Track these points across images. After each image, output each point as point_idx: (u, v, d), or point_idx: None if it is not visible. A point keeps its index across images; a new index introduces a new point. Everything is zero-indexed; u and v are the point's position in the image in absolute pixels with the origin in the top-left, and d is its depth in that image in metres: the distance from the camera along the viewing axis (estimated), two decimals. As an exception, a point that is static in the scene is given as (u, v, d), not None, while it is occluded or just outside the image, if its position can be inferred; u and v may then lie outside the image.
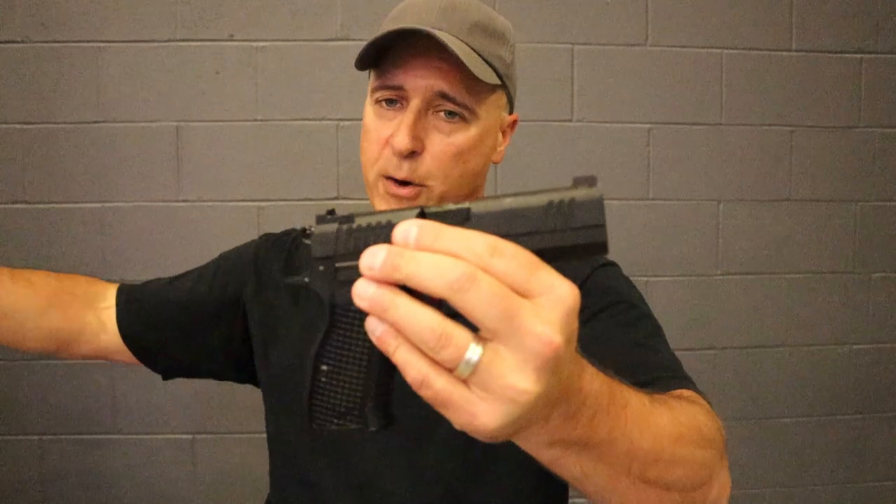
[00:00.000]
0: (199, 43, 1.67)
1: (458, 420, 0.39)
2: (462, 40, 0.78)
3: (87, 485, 1.69)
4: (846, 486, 1.86)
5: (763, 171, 1.79)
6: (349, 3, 1.68)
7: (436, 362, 0.38)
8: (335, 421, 0.49)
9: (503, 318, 0.36)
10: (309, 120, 1.69)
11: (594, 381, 0.45)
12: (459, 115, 0.80)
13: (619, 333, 0.77)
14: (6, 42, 1.63)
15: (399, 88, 0.79)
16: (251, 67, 1.68)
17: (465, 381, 0.38)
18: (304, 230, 0.50)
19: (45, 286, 0.91)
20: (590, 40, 1.73)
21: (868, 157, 1.82)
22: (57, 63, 1.64)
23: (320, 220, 0.49)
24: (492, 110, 0.84)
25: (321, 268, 0.48)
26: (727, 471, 0.61)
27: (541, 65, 1.72)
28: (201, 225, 1.67)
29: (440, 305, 0.38)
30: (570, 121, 1.74)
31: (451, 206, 0.43)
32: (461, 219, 0.42)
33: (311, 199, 1.69)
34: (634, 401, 0.50)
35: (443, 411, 0.39)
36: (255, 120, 1.68)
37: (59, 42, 1.64)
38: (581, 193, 0.40)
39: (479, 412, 0.38)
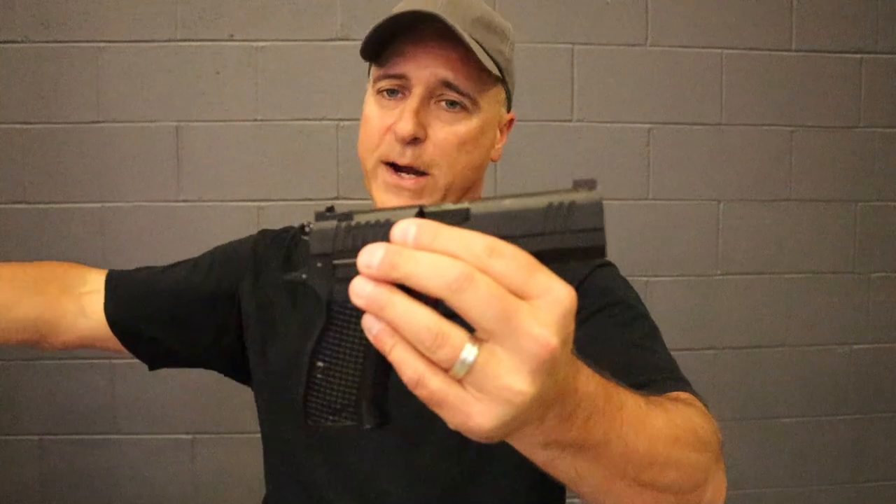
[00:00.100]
0: (199, 43, 1.67)
1: (453, 420, 0.39)
2: (465, 32, 0.78)
3: (87, 485, 1.69)
4: (846, 486, 1.86)
5: (763, 171, 1.79)
6: (349, 3, 1.68)
7: (432, 362, 0.38)
8: (330, 418, 0.49)
9: (500, 319, 0.36)
10: (309, 120, 1.69)
11: (590, 382, 0.45)
12: (461, 104, 0.80)
13: (616, 334, 0.77)
14: (6, 42, 1.63)
15: (402, 77, 0.80)
16: (251, 67, 1.68)
17: (460, 382, 0.38)
18: (302, 227, 0.50)
19: (13, 277, 0.89)
20: (590, 40, 1.73)
21: (868, 157, 1.82)
22: (57, 63, 1.64)
23: (319, 216, 0.49)
24: (492, 104, 0.85)
25: (319, 264, 0.48)
26: (723, 473, 0.61)
27: (541, 65, 1.72)
28: (201, 225, 1.67)
29: (437, 305, 0.38)
30: (570, 121, 1.74)
31: (450, 206, 0.43)
32: (460, 219, 0.42)
33: (311, 199, 1.69)
34: (630, 403, 0.50)
35: (438, 411, 0.39)
36: (255, 120, 1.68)
37: (59, 42, 1.64)
38: (581, 196, 0.40)
39: (474, 412, 0.38)
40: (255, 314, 0.93)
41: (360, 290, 0.39)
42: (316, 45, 1.68)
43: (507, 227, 0.41)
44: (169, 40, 1.66)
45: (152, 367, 0.99)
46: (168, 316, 0.93)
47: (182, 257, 1.00)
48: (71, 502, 1.69)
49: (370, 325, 0.39)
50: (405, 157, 0.79)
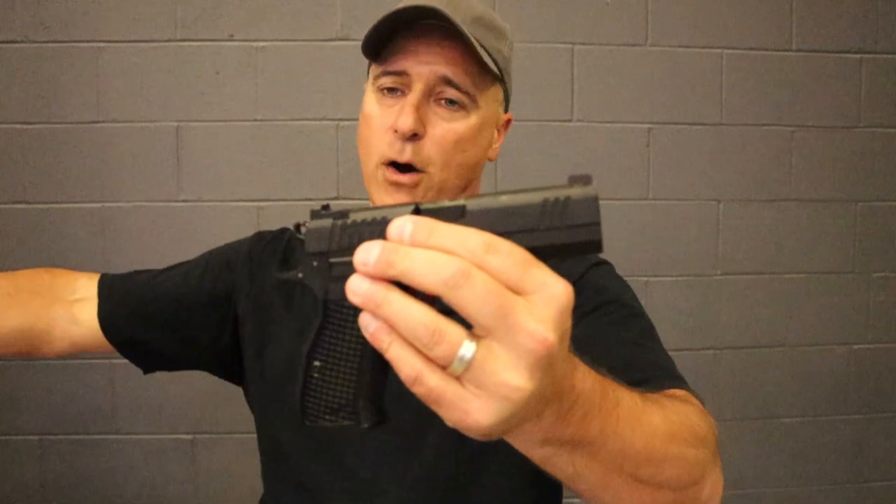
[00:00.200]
0: (199, 43, 1.67)
1: (451, 417, 0.39)
2: (465, 29, 0.79)
3: (87, 485, 1.69)
4: (846, 486, 1.85)
5: (763, 171, 1.79)
6: (349, 3, 1.68)
7: (429, 359, 0.38)
8: (327, 417, 0.49)
9: (497, 316, 0.36)
10: (309, 120, 1.69)
11: (586, 379, 0.45)
12: (460, 102, 0.81)
13: (612, 332, 0.77)
14: (6, 42, 1.63)
15: (402, 74, 0.80)
16: (251, 67, 1.68)
17: (458, 379, 0.38)
18: (297, 225, 0.50)
19: None
20: (590, 40, 1.73)
21: (868, 157, 1.82)
22: (57, 63, 1.64)
23: (315, 215, 0.48)
24: (490, 103, 0.85)
25: (315, 263, 0.48)
26: (720, 470, 0.61)
27: (541, 65, 1.72)
28: (201, 225, 1.67)
29: (434, 302, 0.38)
30: (570, 121, 1.74)
31: (447, 203, 0.43)
32: (456, 215, 0.42)
33: (311, 199, 1.68)
34: (627, 399, 0.50)
35: (435, 408, 0.39)
36: (255, 120, 1.68)
37: (59, 42, 1.64)
38: (576, 192, 0.40)
39: (472, 409, 0.38)
40: (252, 317, 0.93)
41: (357, 288, 0.39)
42: (316, 45, 1.68)
43: (504, 224, 0.41)
44: (169, 40, 1.66)
45: (147, 371, 0.98)
46: (163, 321, 0.93)
47: (182, 257, 1.00)
48: (71, 502, 1.69)
49: (367, 322, 0.39)
50: (405, 154, 0.80)
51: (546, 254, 0.40)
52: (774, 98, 1.78)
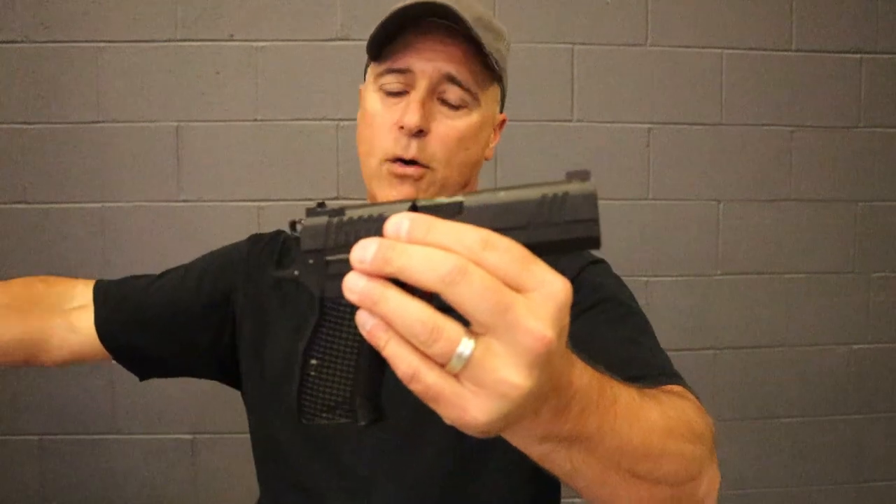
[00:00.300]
0: (199, 43, 1.67)
1: (449, 415, 0.38)
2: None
3: (86, 485, 1.69)
4: (846, 486, 1.86)
5: (763, 171, 1.79)
6: (349, 3, 1.68)
7: (427, 356, 0.38)
8: (324, 415, 0.48)
9: (495, 313, 0.36)
10: (309, 120, 1.69)
11: (583, 375, 0.45)
12: (463, 100, 0.82)
13: (609, 330, 0.77)
14: (6, 42, 1.63)
15: (406, 71, 0.81)
16: (251, 67, 1.68)
17: (456, 376, 0.38)
18: (293, 223, 0.50)
19: None
20: (590, 40, 1.73)
21: (868, 157, 1.82)
22: (57, 63, 1.64)
23: (310, 212, 0.48)
24: (490, 102, 0.86)
25: (311, 261, 0.47)
26: (716, 466, 0.61)
27: (541, 65, 1.72)
28: (201, 225, 1.67)
29: (432, 299, 0.38)
30: (570, 121, 1.74)
31: (444, 200, 0.42)
32: (453, 212, 0.41)
33: (311, 199, 1.68)
34: (624, 395, 0.50)
35: (433, 406, 0.39)
36: (255, 120, 1.68)
37: (59, 42, 1.64)
38: (574, 187, 0.40)
39: (471, 407, 0.37)
40: (250, 317, 0.92)
41: (354, 286, 0.38)
42: (316, 45, 1.68)
43: (501, 220, 0.40)
44: (169, 40, 1.66)
45: (143, 378, 0.98)
46: (162, 326, 0.92)
47: (182, 257, 1.00)
48: (71, 502, 1.69)
49: (364, 320, 0.39)
50: (411, 150, 0.80)
51: (544, 250, 0.39)
52: (774, 98, 1.78)
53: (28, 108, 1.64)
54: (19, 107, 1.64)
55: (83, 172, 1.66)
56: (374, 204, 0.45)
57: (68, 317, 0.91)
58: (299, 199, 1.68)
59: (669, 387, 0.66)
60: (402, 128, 0.80)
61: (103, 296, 0.93)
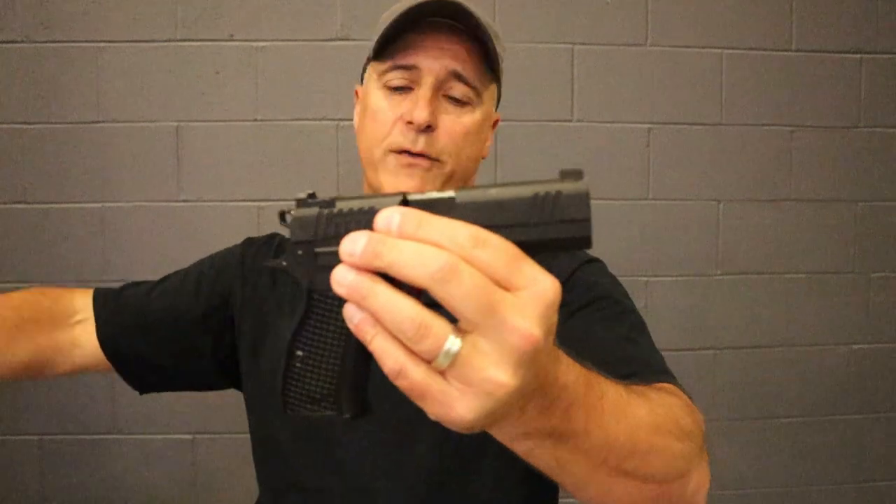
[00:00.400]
0: (199, 43, 1.67)
1: (434, 411, 0.39)
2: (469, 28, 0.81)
3: (86, 485, 1.69)
4: (846, 486, 1.85)
5: (763, 171, 1.79)
6: (349, 3, 1.68)
7: (413, 353, 0.38)
8: (308, 407, 0.48)
9: (483, 311, 0.36)
10: (309, 120, 1.69)
11: (570, 372, 0.45)
12: (467, 97, 0.83)
13: (602, 328, 0.77)
14: (6, 42, 1.63)
15: (413, 68, 0.82)
16: (251, 67, 1.68)
17: (442, 373, 0.38)
18: (282, 213, 0.49)
19: (2, 320, 0.85)
20: (590, 40, 1.73)
21: (868, 157, 1.82)
22: (57, 63, 1.64)
23: (301, 203, 0.48)
24: (489, 100, 0.88)
25: (300, 252, 0.47)
26: (706, 465, 0.61)
27: (541, 65, 1.71)
28: (201, 225, 1.67)
29: (420, 294, 0.38)
30: (570, 121, 1.74)
31: (435, 195, 0.42)
32: (445, 207, 0.41)
33: (311, 199, 1.68)
34: (611, 392, 0.50)
35: (419, 402, 0.39)
36: (255, 120, 1.68)
37: (59, 42, 1.64)
38: (567, 187, 0.40)
39: (456, 404, 0.38)
40: (248, 320, 0.93)
41: (342, 279, 0.38)
42: (316, 45, 1.68)
43: (493, 217, 0.40)
44: (169, 40, 1.66)
45: (143, 391, 0.98)
46: (162, 333, 0.92)
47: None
48: (71, 502, 1.69)
49: (351, 314, 0.39)
50: (418, 144, 0.81)
51: (535, 248, 0.39)
52: (774, 98, 1.78)
53: (28, 108, 1.64)
54: (19, 107, 1.64)
55: (83, 172, 1.66)
56: (365, 196, 0.45)
57: (72, 331, 0.90)
58: (299, 199, 1.68)
59: (660, 385, 0.66)
60: (409, 123, 0.81)
61: (103, 305, 0.92)
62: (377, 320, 0.38)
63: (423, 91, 0.81)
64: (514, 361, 0.37)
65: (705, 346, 1.80)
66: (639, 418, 0.52)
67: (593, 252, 0.91)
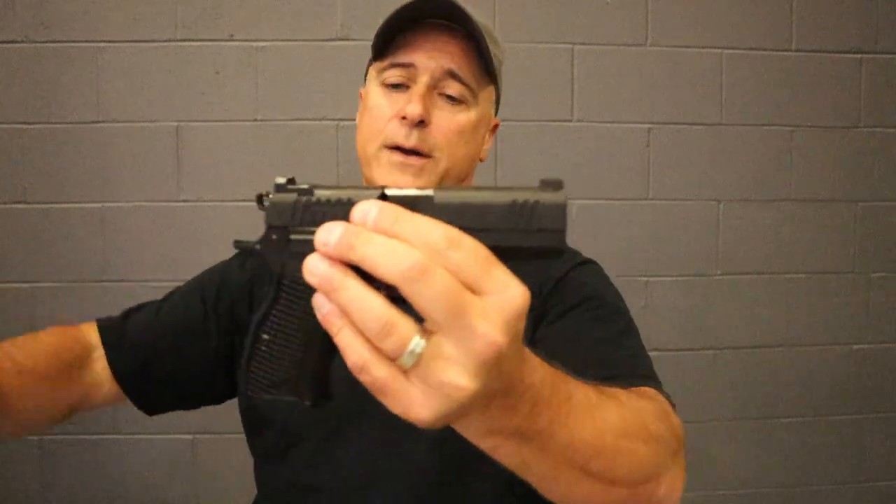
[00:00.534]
0: (199, 43, 1.67)
1: (395, 408, 0.39)
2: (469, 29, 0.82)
3: (87, 485, 1.69)
4: (846, 486, 1.86)
5: (763, 171, 1.79)
6: (349, 3, 1.68)
7: (377, 349, 0.38)
8: (270, 390, 0.49)
9: (450, 314, 0.36)
10: (309, 120, 1.69)
11: (535, 372, 0.45)
12: (462, 96, 0.84)
13: (589, 329, 0.78)
14: (6, 42, 1.63)
15: (409, 66, 0.83)
16: (251, 67, 1.68)
17: (405, 372, 0.38)
18: (260, 196, 0.49)
19: (46, 375, 0.81)
20: (590, 40, 1.73)
21: (868, 157, 1.82)
22: (57, 63, 1.64)
23: (279, 187, 0.47)
24: (486, 102, 0.89)
25: (274, 237, 0.47)
26: (681, 470, 0.61)
27: (541, 65, 1.71)
28: (201, 225, 1.67)
29: (390, 287, 0.38)
30: (570, 121, 1.74)
31: (414, 192, 0.42)
32: (422, 205, 0.42)
33: (311, 199, 1.68)
34: (579, 394, 0.50)
35: (380, 398, 0.39)
36: (255, 120, 1.68)
37: (59, 42, 1.64)
38: (546, 197, 0.40)
39: (415, 403, 0.38)
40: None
41: (314, 268, 0.39)
42: (316, 45, 1.68)
43: (469, 219, 0.41)
44: (169, 40, 1.66)
45: (152, 413, 0.95)
46: (177, 355, 0.91)
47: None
48: (71, 502, 1.69)
49: (320, 304, 0.39)
50: (411, 139, 0.82)
51: (508, 254, 0.39)
52: (774, 98, 1.78)
53: (28, 108, 1.64)
54: (19, 107, 1.64)
55: (83, 172, 1.66)
56: (344, 187, 0.45)
57: (93, 371, 0.88)
58: (299, 199, 1.68)
59: (640, 389, 0.66)
60: (403, 118, 0.82)
61: (111, 342, 0.90)
62: (344, 314, 0.38)
63: (418, 87, 0.82)
64: (475, 366, 0.37)
65: (705, 346, 1.80)
66: (606, 421, 0.52)
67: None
